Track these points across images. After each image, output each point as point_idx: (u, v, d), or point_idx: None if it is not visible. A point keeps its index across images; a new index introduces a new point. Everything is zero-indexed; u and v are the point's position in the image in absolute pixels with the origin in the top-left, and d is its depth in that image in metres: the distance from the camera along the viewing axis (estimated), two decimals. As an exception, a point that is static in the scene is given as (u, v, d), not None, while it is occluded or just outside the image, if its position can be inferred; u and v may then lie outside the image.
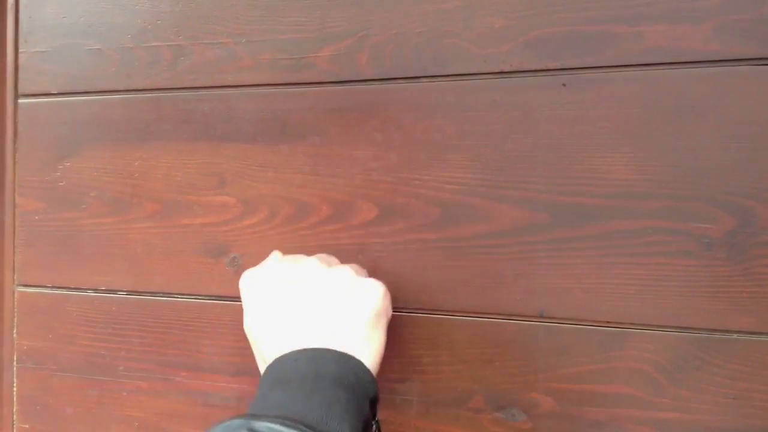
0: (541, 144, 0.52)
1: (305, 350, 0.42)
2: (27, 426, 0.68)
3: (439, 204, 0.54)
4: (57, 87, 0.66)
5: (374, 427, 0.43)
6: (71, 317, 0.66)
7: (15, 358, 0.68)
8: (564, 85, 0.52)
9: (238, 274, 0.60)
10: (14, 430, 0.69)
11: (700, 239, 0.49)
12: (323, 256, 0.51)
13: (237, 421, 0.36)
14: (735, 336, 0.48)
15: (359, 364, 0.42)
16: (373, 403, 0.42)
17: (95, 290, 0.65)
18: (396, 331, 0.56)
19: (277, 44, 0.59)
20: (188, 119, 0.62)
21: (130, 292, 0.64)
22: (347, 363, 0.41)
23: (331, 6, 0.57)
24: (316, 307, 0.44)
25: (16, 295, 0.68)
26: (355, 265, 0.50)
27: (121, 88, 0.64)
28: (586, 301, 0.51)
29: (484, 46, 0.53)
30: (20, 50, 0.67)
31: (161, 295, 0.63)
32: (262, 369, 0.45)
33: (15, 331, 0.68)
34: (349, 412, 0.39)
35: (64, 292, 0.66)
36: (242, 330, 0.49)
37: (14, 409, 0.69)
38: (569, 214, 0.52)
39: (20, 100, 0.68)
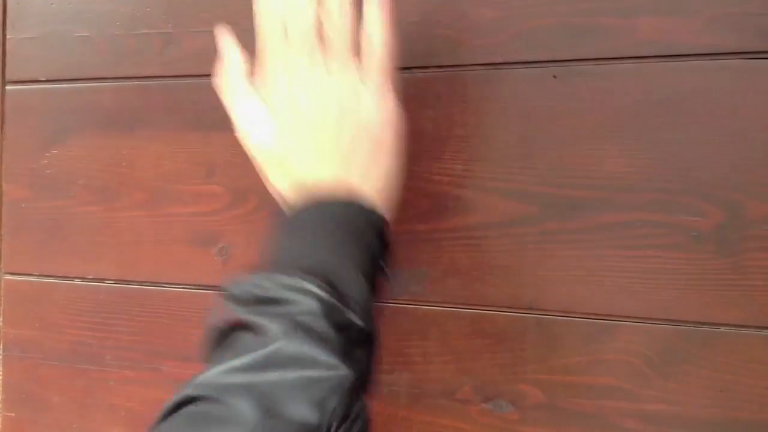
0: (531, 136, 0.52)
1: (311, 202, 0.44)
2: (13, 414, 0.68)
3: (428, 195, 0.54)
4: (45, 74, 0.65)
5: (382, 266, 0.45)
6: (58, 306, 0.65)
7: (1, 347, 0.68)
8: (555, 77, 0.51)
9: (226, 264, 0.60)
10: (0, 418, 0.68)
11: (689, 232, 0.49)
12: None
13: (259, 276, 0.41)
14: (722, 329, 0.49)
15: (360, 207, 0.43)
16: (381, 234, 0.44)
17: (83, 279, 0.65)
18: (384, 322, 0.55)
19: (267, 33, 0.58)
20: (177, 108, 0.61)
21: (117, 281, 0.64)
22: (350, 208, 0.43)
23: (323, -6, 0.57)
24: (318, 137, 0.45)
25: (2, 283, 0.68)
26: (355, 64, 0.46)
27: (110, 76, 0.63)
28: (575, 293, 0.51)
29: (476, 37, 0.53)
30: (8, 36, 0.67)
31: (149, 284, 0.63)
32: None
33: (1, 319, 0.68)
34: (355, 258, 0.42)
35: (51, 280, 0.66)
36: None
37: (0, 398, 0.68)
38: (559, 206, 0.51)
39: (7, 87, 0.67)
